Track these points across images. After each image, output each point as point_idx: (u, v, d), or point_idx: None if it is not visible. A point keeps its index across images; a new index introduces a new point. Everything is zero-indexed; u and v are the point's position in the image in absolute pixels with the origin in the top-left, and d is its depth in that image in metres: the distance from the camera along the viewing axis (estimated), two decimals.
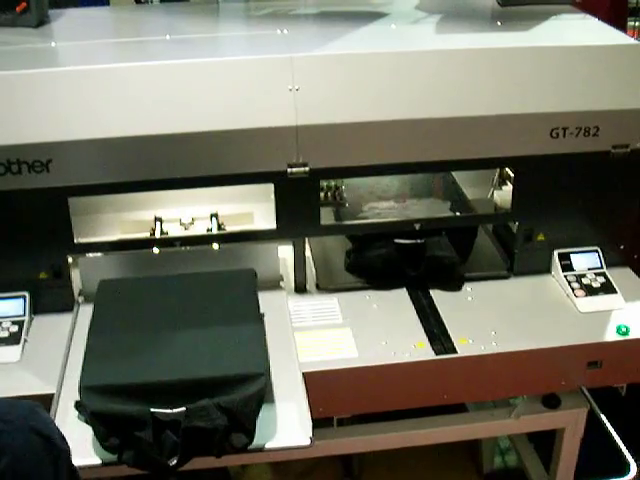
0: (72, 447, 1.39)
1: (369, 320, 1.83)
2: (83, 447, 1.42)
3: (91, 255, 1.90)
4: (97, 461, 1.41)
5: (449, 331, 1.78)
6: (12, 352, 1.71)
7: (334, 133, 1.74)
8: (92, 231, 2.00)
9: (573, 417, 1.96)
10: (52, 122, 1.65)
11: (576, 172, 1.89)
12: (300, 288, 1.94)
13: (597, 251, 1.99)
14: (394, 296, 1.92)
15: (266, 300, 1.76)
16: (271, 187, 1.80)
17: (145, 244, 1.92)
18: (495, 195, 2.15)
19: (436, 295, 1.91)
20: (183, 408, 1.39)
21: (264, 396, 1.43)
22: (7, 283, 1.79)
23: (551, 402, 1.94)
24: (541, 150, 1.84)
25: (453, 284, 1.95)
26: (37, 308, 1.82)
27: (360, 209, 2.06)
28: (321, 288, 1.95)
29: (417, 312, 1.85)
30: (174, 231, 2.04)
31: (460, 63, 1.79)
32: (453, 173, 2.18)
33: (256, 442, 1.43)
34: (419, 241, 1.91)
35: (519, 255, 1.99)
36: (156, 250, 1.89)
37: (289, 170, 1.76)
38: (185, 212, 2.07)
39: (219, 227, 2.03)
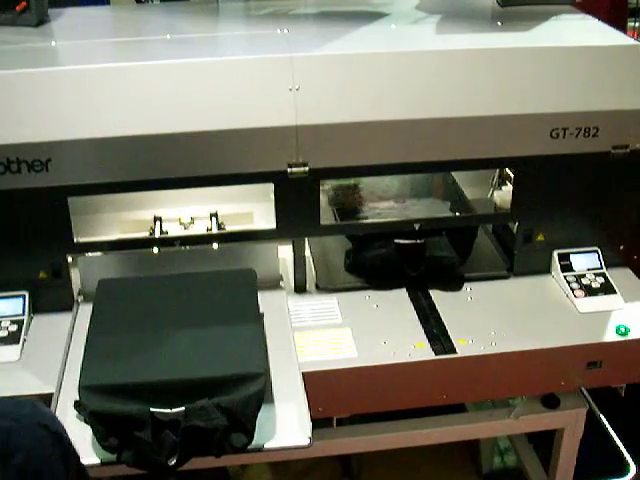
0: None
1: (369, 320, 1.83)
2: (82, 447, 1.42)
3: (91, 254, 1.90)
4: (96, 461, 1.41)
5: (449, 331, 1.78)
6: (11, 351, 1.71)
7: (334, 133, 1.74)
8: (92, 230, 2.00)
9: (572, 417, 1.96)
10: (52, 121, 1.65)
11: (576, 172, 1.89)
12: (300, 288, 1.94)
13: (597, 251, 1.99)
14: (394, 296, 1.92)
15: (266, 300, 1.76)
16: (271, 187, 1.80)
17: (145, 244, 1.92)
18: (495, 195, 2.15)
19: (436, 295, 1.91)
20: (182, 408, 1.38)
21: (263, 396, 1.43)
22: (6, 282, 1.79)
23: (550, 402, 1.94)
24: (541, 150, 1.84)
25: (453, 284, 1.95)
26: (36, 307, 1.82)
27: (360, 209, 2.06)
28: (321, 288, 1.95)
29: (417, 312, 1.85)
30: (174, 231, 2.04)
31: (460, 63, 1.79)
32: (453, 173, 2.18)
33: (255, 442, 1.42)
34: (419, 241, 1.91)
35: (519, 255, 1.99)
36: (156, 250, 1.88)
37: (289, 170, 1.76)
38: (185, 212, 2.06)
39: (219, 227, 2.03)
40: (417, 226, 1.91)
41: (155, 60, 1.73)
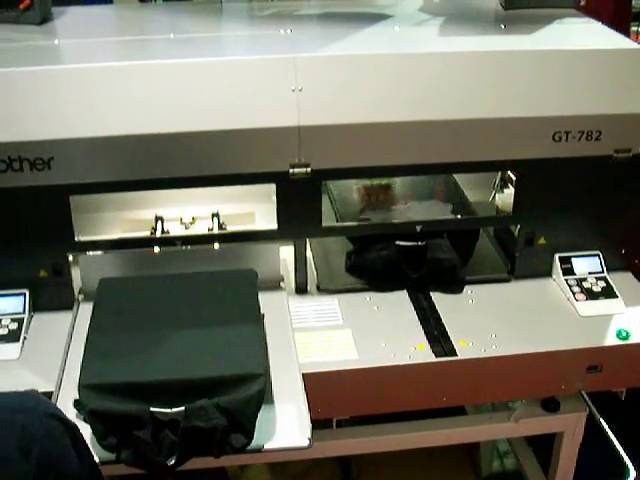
0: None
1: (369, 322, 1.83)
2: None
3: (91, 253, 1.90)
4: (95, 460, 1.40)
5: (449, 333, 1.78)
6: (11, 349, 1.71)
7: (336, 134, 1.74)
8: (93, 229, 2.00)
9: (572, 421, 1.96)
10: (54, 120, 1.65)
11: (578, 176, 1.89)
12: (301, 289, 1.94)
13: (598, 255, 1.99)
14: (395, 298, 1.91)
15: (266, 300, 1.75)
16: (273, 187, 1.79)
17: (146, 243, 1.92)
18: (497, 198, 2.15)
19: (437, 297, 1.91)
20: (182, 408, 1.38)
21: (263, 397, 1.43)
22: (7, 280, 1.79)
23: (550, 406, 1.94)
24: (543, 154, 1.84)
25: (454, 287, 1.95)
26: (37, 306, 1.82)
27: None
28: (322, 289, 1.95)
29: (417, 314, 1.85)
30: (175, 230, 2.04)
31: (463, 66, 1.79)
32: (455, 176, 2.18)
33: (255, 443, 1.42)
34: (420, 243, 1.91)
35: (520, 258, 1.98)
36: (157, 249, 1.88)
37: (291, 171, 1.75)
38: (186, 211, 2.06)
39: (220, 227, 2.03)
40: (419, 228, 1.91)
41: (158, 59, 1.74)
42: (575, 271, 1.97)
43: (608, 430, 1.89)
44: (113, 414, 1.37)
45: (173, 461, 1.39)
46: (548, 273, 2.00)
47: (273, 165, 1.75)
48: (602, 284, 1.94)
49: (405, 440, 1.96)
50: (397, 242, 1.91)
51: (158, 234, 2.00)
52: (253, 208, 2.07)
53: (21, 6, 1.96)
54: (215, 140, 1.70)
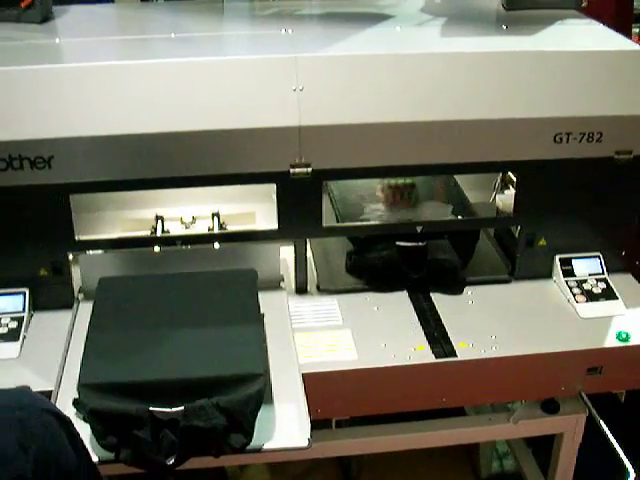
0: None
1: (369, 322, 1.83)
2: None
3: (91, 252, 1.90)
4: (94, 459, 1.39)
5: (449, 334, 1.78)
6: (11, 348, 1.71)
7: (337, 134, 1.74)
8: (93, 228, 2.00)
9: (572, 422, 1.96)
10: (55, 118, 1.65)
11: (579, 177, 1.88)
12: (301, 289, 1.94)
13: (598, 257, 1.99)
14: (395, 298, 1.91)
15: (266, 300, 1.76)
16: (273, 187, 1.79)
17: (146, 242, 1.92)
18: (497, 199, 2.15)
19: (437, 298, 1.91)
20: (182, 407, 1.38)
21: (263, 397, 1.43)
22: (7, 279, 1.79)
23: (550, 407, 1.94)
24: (544, 155, 1.84)
25: (454, 287, 1.95)
26: (37, 305, 1.82)
27: (362, 211, 2.06)
28: (322, 289, 1.95)
29: (417, 315, 1.85)
30: (175, 230, 2.04)
31: (464, 66, 1.79)
32: (455, 176, 2.18)
33: (254, 443, 1.42)
34: (421, 244, 1.91)
35: (520, 259, 1.98)
36: (157, 248, 1.88)
37: (292, 171, 1.75)
38: (186, 211, 2.06)
39: (220, 226, 2.03)
40: (419, 229, 1.91)
41: (159, 59, 1.73)
42: (575, 272, 1.96)
43: (608, 432, 1.89)
44: (112, 413, 1.37)
45: (172, 461, 1.39)
46: (548, 274, 2.00)
47: (274, 165, 1.75)
48: (602, 285, 1.94)
49: (405, 441, 1.96)
50: (397, 243, 1.91)
51: (158, 233, 2.00)
52: (253, 208, 2.07)
53: (22, 5, 1.96)
54: (216, 140, 1.70)
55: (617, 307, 1.89)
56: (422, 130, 1.77)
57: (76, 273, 1.85)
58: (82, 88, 1.67)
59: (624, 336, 1.78)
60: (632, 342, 1.77)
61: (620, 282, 1.95)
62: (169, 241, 1.89)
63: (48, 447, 0.95)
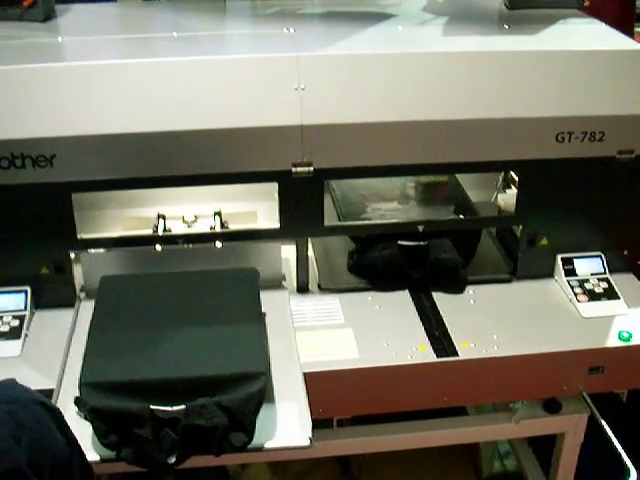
0: None
1: (371, 321, 1.82)
2: (82, 443, 1.40)
3: (93, 251, 1.90)
4: (95, 457, 1.41)
5: (451, 334, 1.78)
6: (13, 347, 1.71)
7: (339, 133, 1.73)
8: (95, 227, 1.99)
9: (573, 422, 1.96)
10: (57, 117, 1.65)
11: (581, 177, 1.88)
12: (302, 288, 1.94)
13: (600, 256, 1.98)
14: (396, 298, 1.91)
15: (268, 299, 1.76)
16: (275, 186, 1.79)
17: (148, 241, 1.91)
18: (499, 198, 2.15)
19: (438, 298, 1.91)
20: (183, 406, 1.38)
21: (264, 396, 1.43)
22: (9, 277, 1.79)
23: (552, 407, 1.93)
24: (546, 154, 1.83)
25: (456, 287, 1.95)
26: (38, 303, 1.82)
27: (363, 210, 2.06)
28: (323, 288, 1.95)
29: (419, 314, 1.85)
30: (177, 228, 2.04)
31: (466, 65, 1.79)
32: (457, 176, 2.17)
33: (255, 441, 1.42)
34: (422, 243, 1.91)
35: (522, 259, 1.98)
36: (159, 247, 1.88)
37: (293, 170, 1.75)
38: (188, 210, 2.06)
39: (222, 225, 2.03)
40: (421, 228, 1.91)
41: (161, 57, 1.74)
42: (577, 272, 1.96)
43: (609, 432, 1.89)
44: (114, 412, 1.37)
45: (173, 459, 1.40)
46: (550, 274, 2.00)
47: (275, 164, 1.75)
48: (604, 285, 1.94)
49: (406, 440, 1.95)
50: (399, 242, 1.90)
51: (160, 232, 2.00)
52: (255, 207, 2.07)
53: (25, 3, 1.96)
54: (218, 138, 1.70)
55: (619, 307, 1.88)
56: (424, 129, 1.77)
57: (78, 272, 1.85)
58: (84, 87, 1.67)
59: (626, 336, 1.78)
60: (634, 342, 1.77)
61: (622, 282, 1.95)
62: (171, 240, 1.89)
63: (40, 438, 0.95)
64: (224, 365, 1.45)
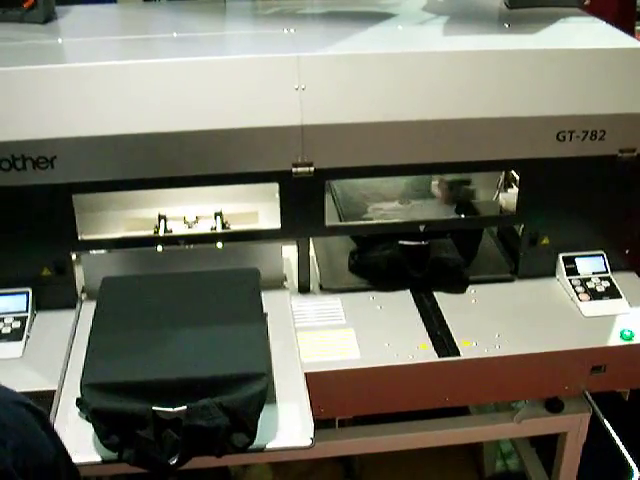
0: (73, 444, 1.40)
1: (372, 321, 1.82)
2: (83, 445, 1.42)
3: (94, 252, 1.90)
4: (97, 459, 1.41)
5: (452, 333, 1.78)
6: (14, 348, 1.71)
7: (340, 133, 1.73)
8: (96, 228, 1.99)
9: (576, 422, 1.96)
10: (57, 118, 1.65)
11: (582, 176, 1.88)
12: (303, 288, 1.94)
13: (602, 255, 1.98)
14: (398, 298, 1.91)
15: (269, 300, 1.75)
16: (276, 187, 1.79)
17: (149, 242, 1.91)
18: (500, 198, 2.14)
19: (440, 297, 1.91)
20: (184, 407, 1.38)
21: (266, 396, 1.43)
22: (10, 279, 1.79)
23: (554, 406, 1.93)
24: (547, 153, 1.83)
25: (457, 286, 1.94)
26: (40, 304, 1.82)
27: (365, 210, 2.06)
28: (324, 288, 1.94)
29: (420, 314, 1.85)
30: (178, 229, 2.04)
31: (467, 65, 1.78)
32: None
33: (257, 442, 1.42)
34: (423, 243, 1.91)
35: (524, 258, 1.98)
36: (160, 248, 1.88)
37: (294, 170, 1.75)
38: (189, 210, 2.06)
39: (223, 226, 2.03)
40: (422, 228, 1.91)
41: (161, 58, 1.73)
42: (579, 271, 1.96)
43: (612, 431, 1.89)
44: (115, 413, 1.37)
45: (175, 460, 1.39)
46: (552, 273, 2.00)
47: (276, 164, 1.75)
48: (606, 284, 1.93)
49: (408, 440, 1.95)
50: (400, 242, 1.90)
51: (161, 233, 2.00)
52: (256, 207, 2.07)
53: (25, 5, 1.96)
54: (218, 139, 1.70)
55: (621, 305, 1.88)
56: (425, 129, 1.76)
57: (79, 273, 1.85)
58: (85, 88, 1.67)
59: (628, 334, 1.77)
60: (636, 340, 1.77)
61: (624, 280, 1.95)
62: (172, 241, 1.89)
63: (25, 439, 0.94)
64: (226, 366, 1.45)
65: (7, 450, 0.90)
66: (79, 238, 1.78)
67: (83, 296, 1.85)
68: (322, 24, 2.20)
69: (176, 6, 2.39)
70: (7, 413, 0.95)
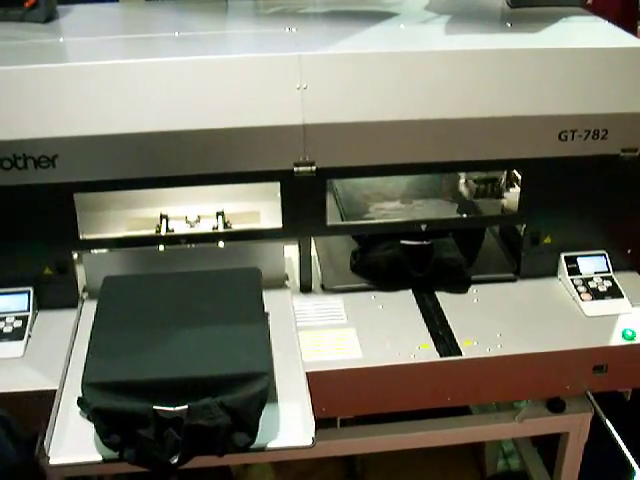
0: (74, 444, 1.40)
1: (374, 321, 1.82)
2: (85, 444, 1.42)
3: (96, 251, 1.90)
4: (98, 458, 1.41)
5: (454, 333, 1.78)
6: (15, 347, 1.71)
7: (341, 132, 1.73)
8: (97, 227, 1.99)
9: (578, 421, 1.95)
10: (59, 117, 1.65)
11: (584, 175, 1.88)
12: (305, 288, 1.93)
13: (604, 255, 1.98)
14: (399, 297, 1.91)
15: (271, 299, 1.75)
16: (278, 186, 1.79)
17: (150, 241, 1.91)
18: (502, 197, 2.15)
19: (442, 297, 1.91)
20: (186, 406, 1.38)
21: (267, 395, 1.43)
22: (11, 278, 1.79)
23: (556, 406, 1.93)
24: (549, 153, 1.83)
25: (459, 286, 1.94)
26: (41, 304, 1.82)
27: (366, 209, 2.06)
28: (326, 288, 1.94)
29: (422, 313, 1.85)
30: (180, 228, 2.03)
31: (469, 64, 1.78)
32: (460, 174, 2.17)
33: (258, 441, 1.42)
34: (425, 242, 1.91)
35: (526, 258, 1.98)
36: (161, 247, 1.88)
37: (296, 169, 1.75)
38: (191, 210, 2.06)
39: (225, 225, 2.03)
40: (424, 227, 1.91)
41: (163, 57, 1.74)
42: (581, 271, 1.96)
43: (613, 431, 1.89)
44: (116, 412, 1.37)
45: (176, 459, 1.39)
46: (554, 273, 1.99)
47: (278, 163, 1.75)
48: (608, 284, 1.93)
49: (409, 439, 1.95)
50: (402, 241, 1.90)
51: (163, 232, 1.99)
52: (258, 206, 2.07)
53: (27, 4, 1.96)
54: (220, 138, 1.70)
55: (623, 305, 1.88)
56: (426, 128, 1.76)
57: (80, 272, 1.85)
58: (86, 87, 1.67)
59: (630, 334, 1.77)
60: (638, 340, 1.77)
61: (626, 280, 1.95)
62: (173, 240, 1.89)
63: None
64: (227, 365, 1.45)
65: None
66: (80, 237, 1.79)
67: (84, 295, 1.85)
68: (324, 23, 2.19)
69: (178, 5, 2.39)
70: None
